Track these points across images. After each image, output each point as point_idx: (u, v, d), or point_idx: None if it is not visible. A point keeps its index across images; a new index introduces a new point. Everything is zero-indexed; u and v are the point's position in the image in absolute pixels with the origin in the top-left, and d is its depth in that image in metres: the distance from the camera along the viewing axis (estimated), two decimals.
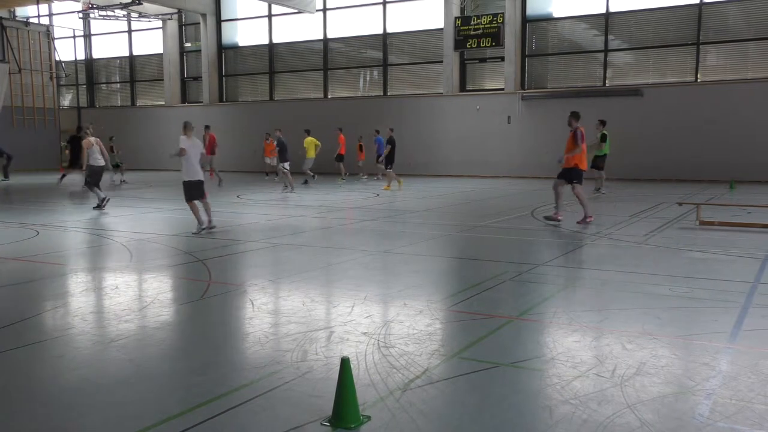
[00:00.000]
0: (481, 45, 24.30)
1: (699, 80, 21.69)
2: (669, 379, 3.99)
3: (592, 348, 4.60)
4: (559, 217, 10.76)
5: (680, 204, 12.12)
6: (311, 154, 20.72)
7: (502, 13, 23.72)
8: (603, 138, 16.19)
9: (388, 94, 26.76)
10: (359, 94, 27.56)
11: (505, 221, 11.90)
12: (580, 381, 3.94)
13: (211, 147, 19.40)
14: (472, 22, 24.25)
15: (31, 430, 3.41)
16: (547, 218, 11.04)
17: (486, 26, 24.05)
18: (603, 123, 16.51)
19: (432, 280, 7.13)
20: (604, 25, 22.91)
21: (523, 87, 24.22)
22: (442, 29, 24.90)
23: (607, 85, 23.05)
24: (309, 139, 20.85)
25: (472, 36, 24.31)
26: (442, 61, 25.13)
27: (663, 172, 21.42)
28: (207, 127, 19.93)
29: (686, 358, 4.40)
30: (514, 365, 4.27)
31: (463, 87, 25.39)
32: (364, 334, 4.89)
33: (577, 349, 4.53)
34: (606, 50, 23.02)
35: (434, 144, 25.19)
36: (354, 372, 3.71)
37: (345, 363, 3.39)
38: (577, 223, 10.78)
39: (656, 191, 17.28)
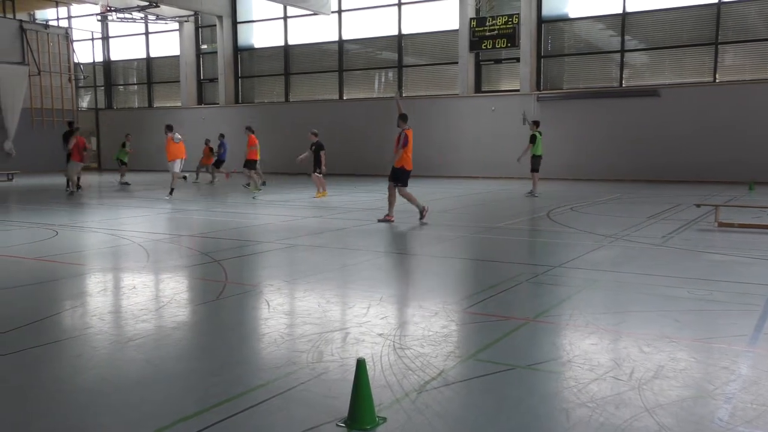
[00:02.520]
0: (497, 46, 24.22)
1: (717, 80, 21.47)
2: (688, 382, 3.94)
3: (609, 351, 4.56)
4: (392, 219, 11.36)
5: (698, 206, 11.99)
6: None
7: (518, 14, 23.64)
8: (532, 139, 16.58)
9: (404, 95, 26.74)
10: (374, 96, 27.58)
11: (520, 223, 11.85)
12: (597, 384, 3.90)
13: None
14: (487, 23, 24.19)
15: (48, 429, 3.44)
16: (380, 220, 11.47)
17: (501, 27, 23.98)
18: (536, 123, 16.86)
19: (447, 282, 7.11)
20: (621, 25, 22.74)
21: (538, 88, 24.11)
22: (457, 30, 24.86)
23: (623, 85, 22.89)
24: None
25: (488, 37, 24.24)
26: (457, 62, 25.09)
27: (680, 174, 21.23)
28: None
29: (705, 362, 4.35)
30: (530, 367, 4.24)
31: (478, 88, 25.32)
32: (380, 335, 4.89)
33: (594, 352, 4.49)
34: (622, 50, 22.85)
35: (449, 145, 25.14)
36: (370, 373, 3.70)
37: (361, 364, 3.38)
38: (378, 220, 11.46)
39: (674, 193, 17.12)
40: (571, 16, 23.79)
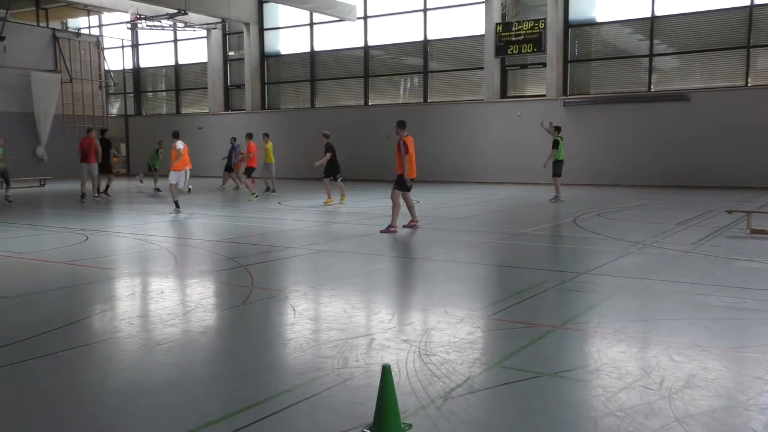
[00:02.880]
0: (523, 51, 24.09)
1: (749, 84, 21.09)
2: (720, 392, 3.86)
3: (638, 359, 4.49)
4: (395, 230, 10.93)
5: (730, 212, 11.78)
6: (270, 159, 19.97)
7: (544, 19, 23.50)
8: (555, 144, 16.44)
9: (429, 100, 26.75)
10: (400, 101, 27.62)
11: (546, 228, 11.75)
12: (625, 393, 3.85)
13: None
14: (513, 28, 24.08)
15: (78, 431, 3.49)
16: (382, 231, 10.94)
17: (527, 32, 23.86)
18: (558, 129, 16.81)
19: (473, 288, 7.08)
20: (650, 29, 22.47)
21: (565, 93, 23.92)
22: (483, 35, 24.79)
23: (652, 90, 22.60)
24: (269, 144, 20.14)
25: (514, 42, 24.13)
26: (482, 68, 25.00)
27: (711, 179, 20.87)
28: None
29: (738, 371, 4.26)
30: (557, 375, 4.20)
31: (504, 93, 25.21)
32: (405, 341, 4.88)
33: (623, 360, 4.43)
34: (651, 55, 22.57)
35: (475, 151, 25.05)
36: (395, 379, 3.70)
37: (386, 370, 3.38)
38: (381, 231, 10.93)
39: (704, 199, 16.84)
40: (599, 20, 23.57)
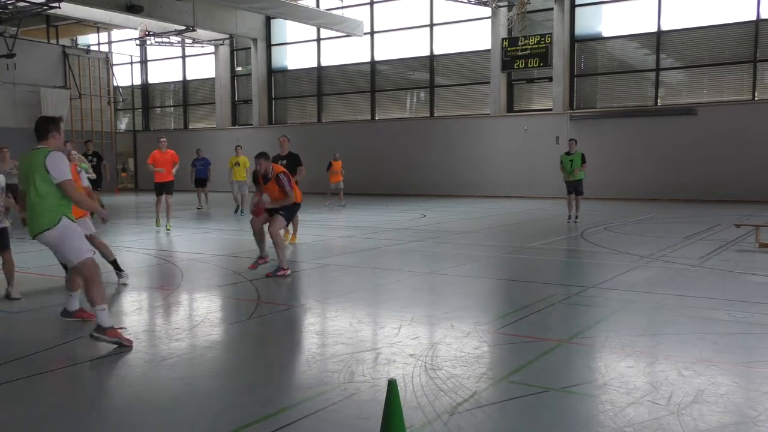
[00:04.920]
0: (529, 65, 24.18)
1: (756, 98, 21.06)
2: (729, 408, 3.83)
3: (646, 374, 4.46)
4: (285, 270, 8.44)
5: (738, 225, 11.71)
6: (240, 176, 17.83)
7: (550, 34, 23.59)
8: (583, 158, 14.48)
9: (435, 115, 26.82)
10: (406, 116, 27.71)
11: (553, 243, 11.71)
12: (634, 408, 3.81)
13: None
14: (519, 43, 24.18)
15: None
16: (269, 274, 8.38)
17: (533, 47, 23.95)
18: (576, 141, 14.93)
19: (479, 302, 7.05)
20: (656, 43, 22.52)
21: (571, 107, 23.95)
22: (489, 50, 24.90)
23: (659, 104, 22.60)
24: (242, 158, 18.06)
25: (520, 56, 24.23)
26: (489, 82, 25.09)
27: (718, 193, 20.79)
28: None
29: (747, 387, 4.22)
30: (564, 390, 4.17)
31: (510, 108, 25.26)
32: (411, 355, 4.86)
33: (631, 375, 4.40)
34: (657, 69, 22.60)
35: (481, 165, 25.08)
36: (401, 394, 3.68)
37: (392, 385, 3.36)
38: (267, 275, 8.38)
39: (712, 212, 16.77)
40: (605, 35, 23.64)
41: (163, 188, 13.86)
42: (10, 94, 27.44)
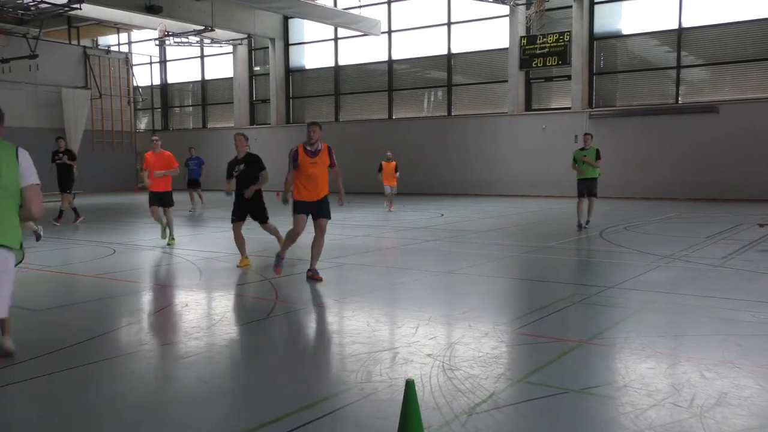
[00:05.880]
0: (547, 64, 24.01)
1: None
2: (753, 411, 3.76)
3: (667, 375, 4.39)
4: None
5: (761, 225, 11.54)
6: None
7: (569, 32, 23.40)
8: (598, 154, 13.12)
9: (453, 114, 26.74)
10: (424, 115, 27.65)
11: (572, 242, 11.62)
12: (655, 410, 3.76)
13: None
14: (537, 41, 24.02)
15: None
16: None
17: (552, 45, 23.78)
18: (591, 136, 13.42)
19: (497, 302, 7.01)
20: (677, 41, 22.25)
21: (590, 105, 23.75)
22: (507, 49, 24.77)
23: (680, 102, 22.34)
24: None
25: (538, 55, 24.07)
26: (507, 81, 24.96)
27: (741, 192, 20.50)
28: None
29: None
30: (584, 391, 4.12)
31: (528, 106, 25.11)
32: (429, 355, 4.83)
33: (652, 377, 4.33)
34: (678, 66, 22.33)
35: (499, 164, 24.96)
36: (419, 394, 3.66)
37: (409, 385, 3.34)
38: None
39: (734, 211, 16.53)
40: (624, 32, 23.41)
41: (159, 200, 11.29)
42: (33, 94, 27.81)
